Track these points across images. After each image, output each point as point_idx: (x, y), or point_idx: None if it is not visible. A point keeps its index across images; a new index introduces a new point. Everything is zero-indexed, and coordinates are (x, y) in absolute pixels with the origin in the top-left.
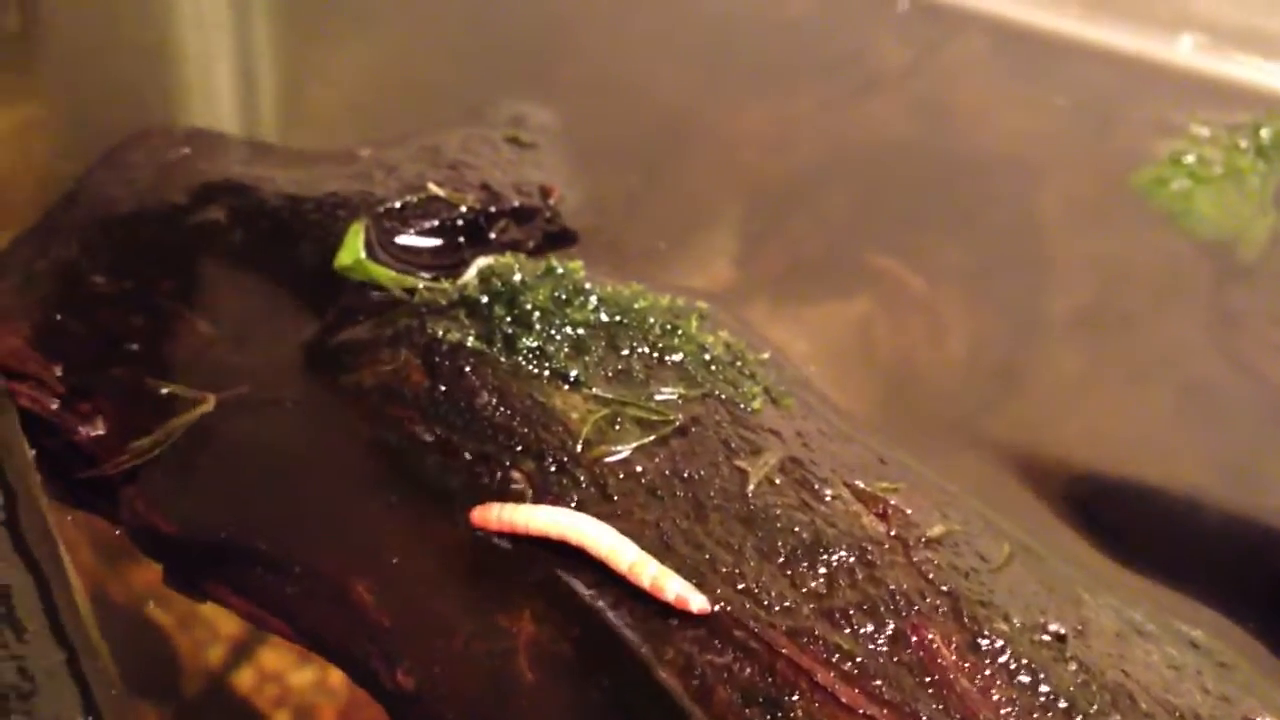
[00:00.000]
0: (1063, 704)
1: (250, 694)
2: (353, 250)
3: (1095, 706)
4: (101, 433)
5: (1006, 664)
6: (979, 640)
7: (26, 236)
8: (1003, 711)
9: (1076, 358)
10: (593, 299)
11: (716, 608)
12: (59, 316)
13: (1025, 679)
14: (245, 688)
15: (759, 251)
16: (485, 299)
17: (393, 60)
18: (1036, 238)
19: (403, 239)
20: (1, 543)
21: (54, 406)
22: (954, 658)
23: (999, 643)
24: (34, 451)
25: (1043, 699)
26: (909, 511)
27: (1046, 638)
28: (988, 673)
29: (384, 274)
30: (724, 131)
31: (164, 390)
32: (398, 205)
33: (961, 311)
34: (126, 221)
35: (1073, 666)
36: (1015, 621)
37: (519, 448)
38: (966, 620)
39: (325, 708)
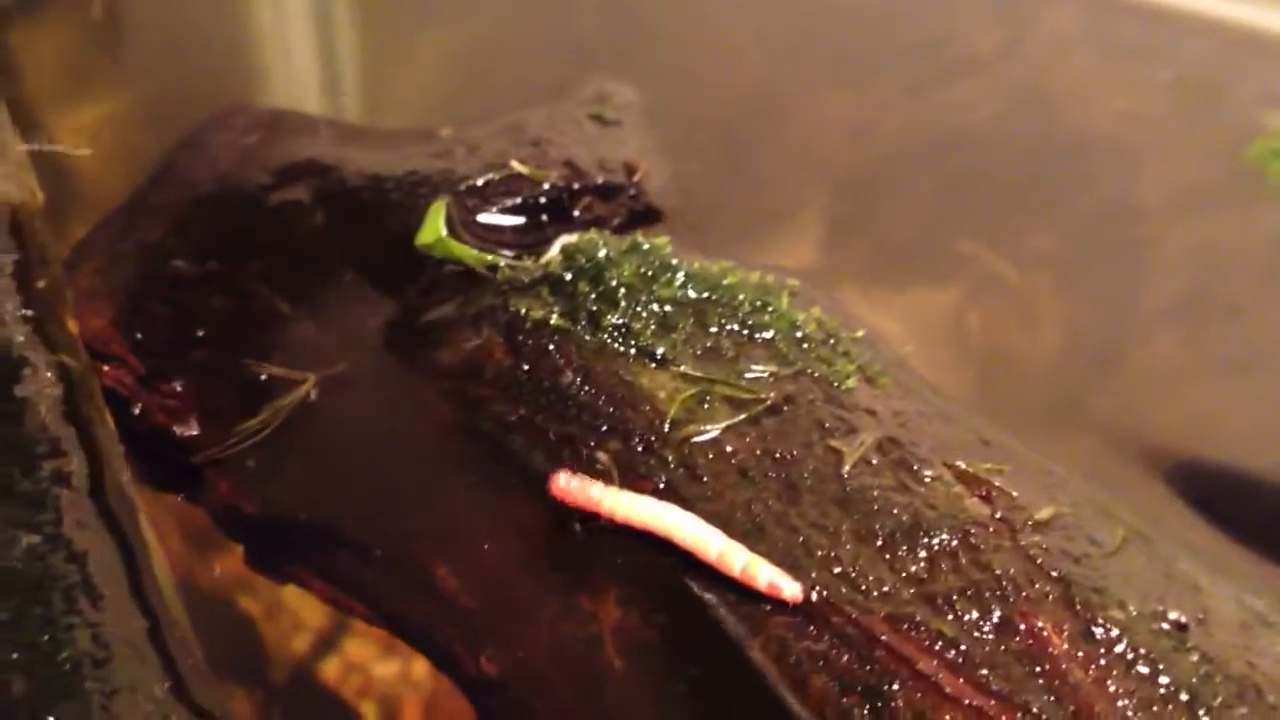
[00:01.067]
0: (1184, 696)
1: (336, 684)
2: (434, 228)
3: (1219, 699)
4: (185, 413)
5: (1123, 654)
6: (1093, 629)
7: (111, 219)
8: (1120, 704)
9: (1177, 347)
10: (680, 275)
11: (812, 593)
12: (143, 298)
13: (1144, 670)
14: (331, 677)
15: (846, 237)
16: (569, 275)
17: (475, 42)
18: (1136, 222)
19: (485, 217)
20: (83, 510)
21: (137, 387)
22: (1066, 647)
23: (1114, 631)
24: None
25: (1163, 691)
26: (1015, 494)
27: (1165, 626)
28: (1103, 663)
29: (466, 252)
30: (809, 114)
31: (261, 374)
32: (479, 183)
33: (1056, 300)
34: (209, 202)
35: (1194, 657)
36: (1131, 609)
37: (604, 427)
38: (1079, 607)
39: (410, 700)
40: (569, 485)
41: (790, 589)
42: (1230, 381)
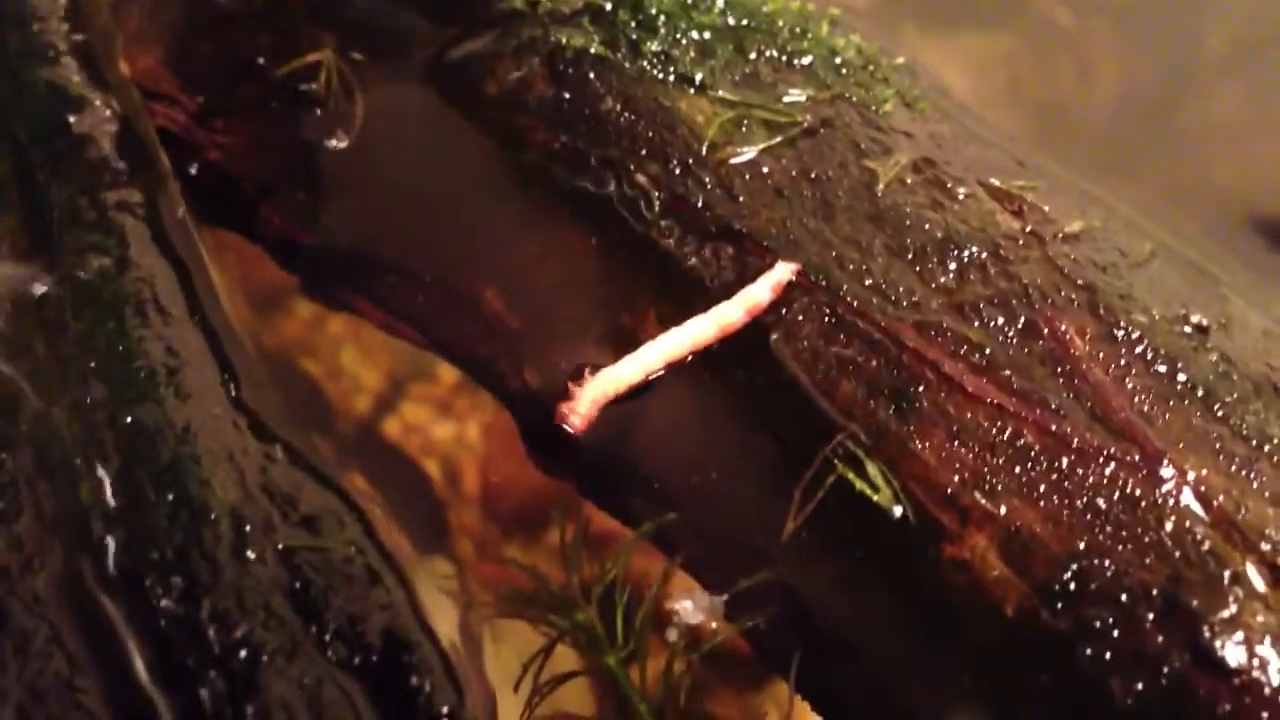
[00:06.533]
0: (1200, 392)
1: (399, 441)
2: None
3: (1235, 395)
4: (238, 148)
5: (1143, 354)
6: (1115, 331)
7: None
8: (1137, 399)
9: (1234, 97)
10: (719, 2)
11: (846, 298)
12: (191, 37)
13: (1162, 368)
14: (393, 435)
15: None
16: (609, 5)
17: None
18: None
19: None
20: (147, 236)
21: (190, 124)
22: (1088, 348)
23: (1136, 334)
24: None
25: (1180, 387)
26: (1046, 209)
27: (1187, 329)
28: (1123, 362)
29: None
30: None
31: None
32: None
33: (1112, 48)
34: None
35: (1213, 357)
36: (1155, 314)
37: (644, 151)
38: (1103, 312)
39: (466, 461)
40: (577, 410)
41: (781, 270)
42: None
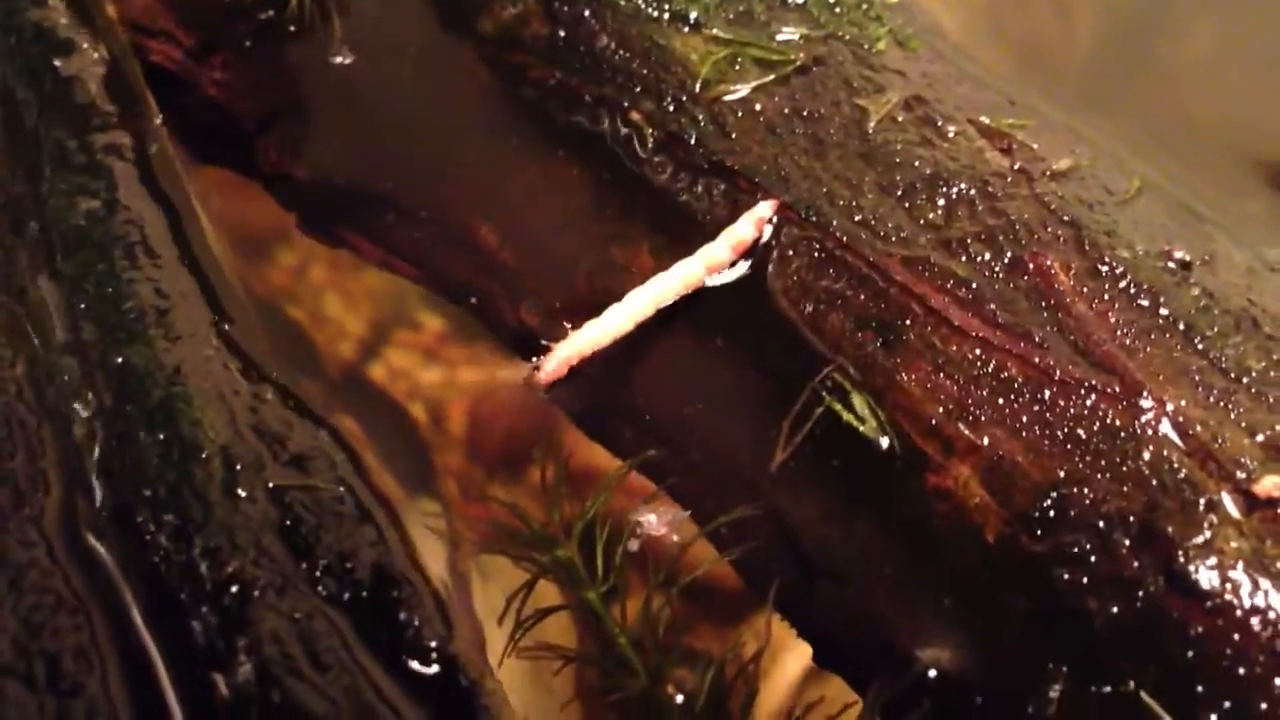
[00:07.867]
0: (1181, 326)
1: (385, 385)
2: None
3: (1215, 329)
4: (234, 84)
5: (1126, 288)
6: (1099, 267)
7: None
8: (1119, 332)
9: (1209, 33)
10: None
11: (837, 236)
12: None
13: (1144, 302)
14: (379, 379)
15: None
16: None
17: None
18: None
19: None
20: (136, 179)
21: (186, 61)
22: (1072, 283)
23: (1120, 269)
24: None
25: (1161, 321)
26: (1035, 146)
27: (1171, 265)
28: (1106, 297)
29: None
30: None
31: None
32: None
33: None
34: None
35: (1195, 291)
36: (1139, 249)
37: (638, 89)
38: (1088, 248)
39: (454, 404)
40: (548, 369)
41: (764, 206)
42: (1258, 77)
